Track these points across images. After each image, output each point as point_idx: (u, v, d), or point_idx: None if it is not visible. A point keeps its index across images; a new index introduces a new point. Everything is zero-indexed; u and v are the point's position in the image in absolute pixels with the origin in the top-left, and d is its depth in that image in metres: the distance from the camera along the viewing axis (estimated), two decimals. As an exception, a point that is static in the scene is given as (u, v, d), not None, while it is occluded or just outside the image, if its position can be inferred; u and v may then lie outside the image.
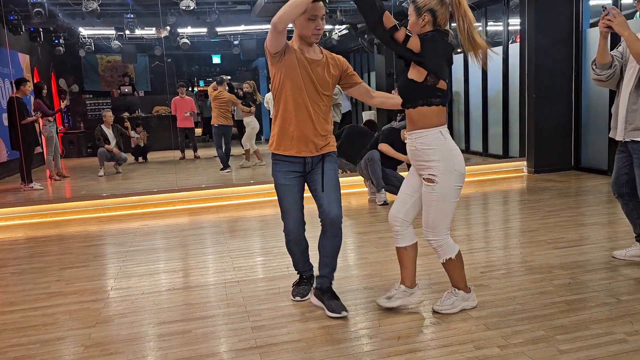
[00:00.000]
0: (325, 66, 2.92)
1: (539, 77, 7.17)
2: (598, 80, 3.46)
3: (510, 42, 8.29)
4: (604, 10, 3.20)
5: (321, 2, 2.79)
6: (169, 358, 2.55)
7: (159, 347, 2.67)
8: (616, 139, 3.42)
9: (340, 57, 3.05)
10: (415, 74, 2.66)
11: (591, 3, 7.22)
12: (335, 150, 3.05)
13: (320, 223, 2.98)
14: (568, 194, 5.91)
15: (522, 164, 7.50)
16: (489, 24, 8.91)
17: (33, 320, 3.08)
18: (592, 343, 2.48)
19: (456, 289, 2.89)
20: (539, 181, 6.81)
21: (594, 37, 6.96)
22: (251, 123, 9.26)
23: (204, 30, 10.90)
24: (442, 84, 2.65)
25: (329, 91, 2.95)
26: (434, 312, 2.88)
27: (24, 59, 10.40)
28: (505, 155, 8.39)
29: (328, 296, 2.99)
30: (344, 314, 2.90)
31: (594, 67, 3.44)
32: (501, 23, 8.54)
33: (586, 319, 2.74)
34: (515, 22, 8.17)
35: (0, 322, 3.08)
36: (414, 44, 2.56)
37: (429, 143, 2.68)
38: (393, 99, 3.08)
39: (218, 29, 10.98)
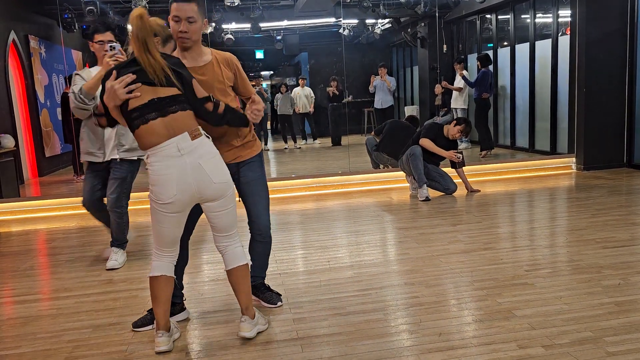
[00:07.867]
0: (212, 69, 2.71)
1: (590, 71, 6.91)
2: (82, 110, 3.59)
3: (559, 34, 8.02)
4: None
5: (186, 4, 2.57)
6: (213, 347, 2.62)
7: (203, 336, 2.75)
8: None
9: (229, 55, 2.78)
10: None
11: (648, -8, 6.89)
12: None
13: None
14: (619, 192, 5.69)
15: (571, 160, 7.26)
16: (537, 15, 8.63)
17: (85, 306, 3.23)
18: (642, 346, 2.40)
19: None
20: (588, 178, 6.58)
21: (650, 28, 6.66)
22: None
23: (247, 26, 11.04)
24: None
25: (227, 96, 2.73)
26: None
27: (77, 56, 10.82)
28: (553, 152, 8.14)
29: (262, 290, 3.10)
30: (279, 304, 3.04)
31: (81, 96, 3.49)
32: (550, 15, 8.27)
33: (637, 321, 2.64)
34: (565, 14, 7.89)
35: (56, 307, 3.25)
36: None
37: None
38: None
39: (261, 25, 11.13)
